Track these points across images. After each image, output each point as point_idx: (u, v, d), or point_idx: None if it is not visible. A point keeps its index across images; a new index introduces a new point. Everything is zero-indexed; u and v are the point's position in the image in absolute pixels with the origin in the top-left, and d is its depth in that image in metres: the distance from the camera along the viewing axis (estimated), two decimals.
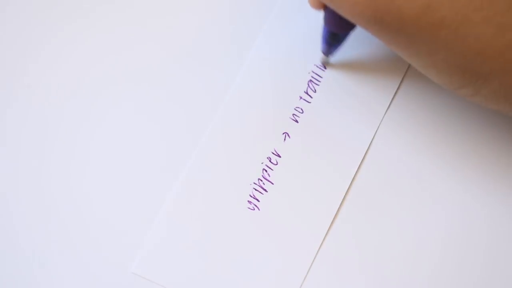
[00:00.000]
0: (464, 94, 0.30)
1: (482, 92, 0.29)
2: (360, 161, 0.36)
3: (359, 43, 0.36)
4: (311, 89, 0.36)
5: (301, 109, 0.36)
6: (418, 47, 0.29)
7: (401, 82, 0.37)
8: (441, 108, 0.36)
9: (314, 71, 0.37)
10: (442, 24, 0.27)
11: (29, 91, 0.37)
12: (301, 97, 0.36)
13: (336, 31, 0.33)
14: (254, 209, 0.35)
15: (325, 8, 0.32)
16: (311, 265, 0.35)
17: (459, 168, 0.36)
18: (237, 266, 0.35)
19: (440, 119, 0.36)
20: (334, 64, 0.37)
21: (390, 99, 0.36)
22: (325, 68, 0.37)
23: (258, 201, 0.35)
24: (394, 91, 0.36)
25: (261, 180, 0.35)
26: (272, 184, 0.35)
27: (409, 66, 0.37)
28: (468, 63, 0.28)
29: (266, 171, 0.36)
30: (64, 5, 0.38)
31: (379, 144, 0.36)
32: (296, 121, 0.36)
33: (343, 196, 0.35)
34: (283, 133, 0.36)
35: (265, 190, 0.35)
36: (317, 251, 0.35)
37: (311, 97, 0.36)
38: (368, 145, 0.36)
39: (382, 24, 0.28)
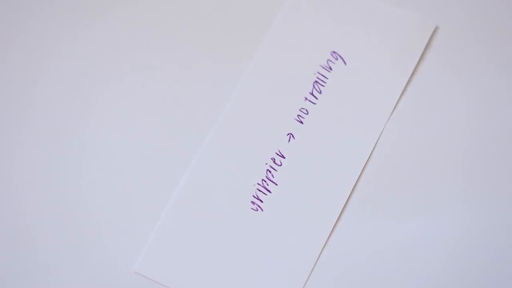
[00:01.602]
0: None
1: None
2: (365, 163, 0.35)
3: (362, 44, 0.36)
4: (316, 90, 0.36)
5: (306, 110, 0.36)
6: None
7: (406, 84, 0.36)
8: (445, 113, 0.36)
9: (319, 72, 0.37)
10: None
11: (29, 91, 0.37)
12: (306, 98, 0.36)
13: None
14: (257, 210, 0.35)
15: None
16: (314, 266, 0.34)
17: (467, 173, 0.35)
18: (240, 266, 0.35)
19: (443, 126, 0.36)
20: (339, 67, 0.36)
21: (396, 101, 0.36)
22: (331, 69, 0.37)
23: (262, 201, 0.35)
24: (400, 93, 0.36)
25: (265, 181, 0.35)
26: (276, 185, 0.35)
27: (415, 69, 0.36)
28: None
29: (270, 172, 0.35)
30: (66, 2, 0.38)
31: (384, 146, 0.36)
32: (301, 122, 0.36)
33: (347, 198, 0.35)
34: (288, 134, 0.36)
35: (268, 191, 0.35)
36: (320, 253, 0.35)
37: (316, 98, 0.36)
38: (373, 147, 0.36)
39: None
